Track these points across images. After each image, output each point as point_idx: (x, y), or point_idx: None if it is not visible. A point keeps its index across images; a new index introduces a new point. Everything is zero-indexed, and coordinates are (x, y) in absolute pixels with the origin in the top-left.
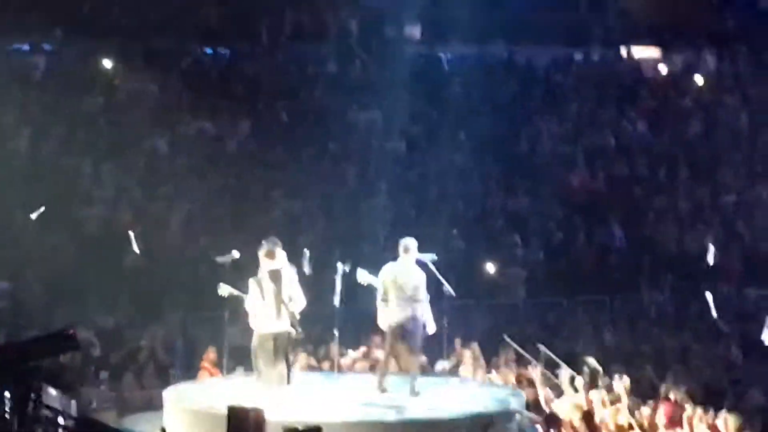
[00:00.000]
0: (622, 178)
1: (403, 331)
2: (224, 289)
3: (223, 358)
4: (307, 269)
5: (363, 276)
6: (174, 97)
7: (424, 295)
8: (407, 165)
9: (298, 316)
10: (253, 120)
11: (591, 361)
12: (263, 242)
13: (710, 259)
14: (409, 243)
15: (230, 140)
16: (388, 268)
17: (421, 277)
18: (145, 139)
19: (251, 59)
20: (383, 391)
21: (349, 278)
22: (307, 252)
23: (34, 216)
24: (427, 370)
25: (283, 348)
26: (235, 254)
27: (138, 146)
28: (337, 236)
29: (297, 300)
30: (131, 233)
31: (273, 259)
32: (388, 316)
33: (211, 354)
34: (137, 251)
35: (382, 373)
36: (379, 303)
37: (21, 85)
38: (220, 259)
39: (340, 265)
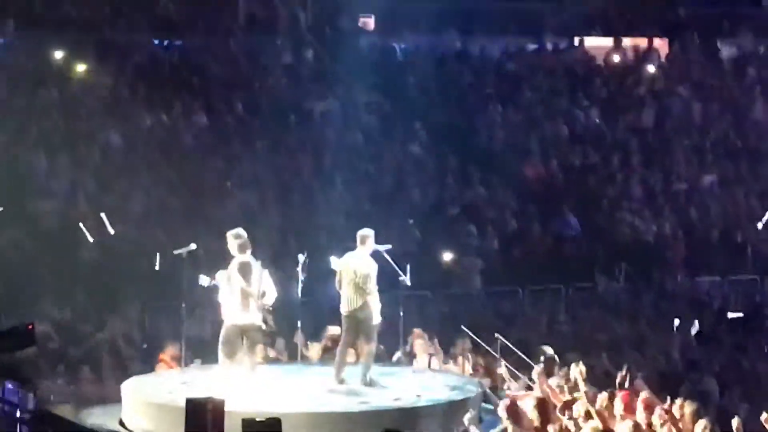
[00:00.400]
0: (576, 167)
1: (356, 321)
2: (204, 280)
3: (182, 350)
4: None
5: (336, 263)
6: (128, 89)
7: (373, 286)
8: (363, 156)
9: (270, 309)
10: (207, 112)
11: (547, 349)
12: (230, 234)
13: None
14: (365, 234)
15: (185, 133)
16: (345, 258)
17: (372, 269)
18: (99, 132)
19: (205, 51)
20: (341, 381)
21: (309, 269)
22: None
23: None
24: (384, 359)
25: (250, 340)
26: (192, 246)
27: (92, 139)
28: (293, 228)
29: (269, 293)
30: (82, 225)
31: (245, 252)
32: (342, 305)
33: (170, 350)
34: (91, 240)
35: (340, 363)
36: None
37: None
38: (177, 252)
39: (301, 256)
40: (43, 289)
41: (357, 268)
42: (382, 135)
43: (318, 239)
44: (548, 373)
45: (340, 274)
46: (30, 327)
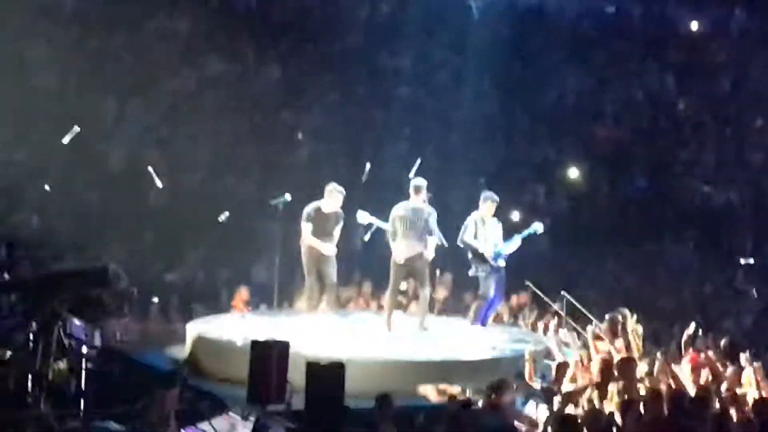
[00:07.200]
0: (647, 130)
1: (412, 269)
2: (363, 217)
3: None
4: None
5: (363, 217)
6: (201, 36)
7: (435, 230)
8: (432, 112)
9: None
10: (280, 62)
11: (624, 311)
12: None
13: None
14: (419, 183)
15: (257, 82)
16: (399, 207)
17: (432, 215)
18: (170, 77)
19: (280, 1)
20: (390, 329)
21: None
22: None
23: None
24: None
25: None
26: (288, 197)
27: (163, 85)
28: (360, 181)
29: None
30: (151, 168)
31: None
32: (396, 253)
33: (243, 293)
34: (160, 186)
35: (390, 310)
36: (389, 240)
37: (49, 20)
38: (273, 202)
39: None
40: (112, 231)
41: (416, 215)
42: (453, 92)
43: (385, 194)
44: (613, 333)
45: (394, 222)
46: (106, 268)
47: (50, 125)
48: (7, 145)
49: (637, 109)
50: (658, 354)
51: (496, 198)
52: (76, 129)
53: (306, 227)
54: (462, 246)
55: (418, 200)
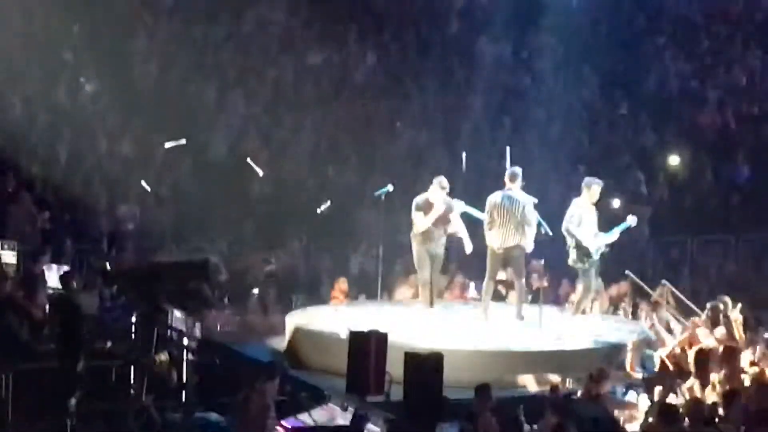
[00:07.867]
0: (752, 116)
1: (509, 257)
2: (460, 206)
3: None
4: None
5: (460, 206)
6: (301, 25)
7: (533, 220)
8: (533, 99)
9: None
10: (379, 51)
11: (725, 299)
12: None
13: None
14: (516, 171)
15: (356, 71)
16: (495, 195)
17: (530, 203)
18: (270, 67)
19: None
20: (487, 318)
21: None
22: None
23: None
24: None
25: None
26: (390, 187)
27: (264, 75)
28: (459, 169)
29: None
30: (250, 160)
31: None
32: (492, 242)
33: (342, 284)
34: (261, 174)
35: (486, 299)
36: (486, 229)
37: (150, 13)
38: (377, 193)
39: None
40: (212, 221)
41: (513, 203)
42: (553, 79)
43: (484, 182)
44: (714, 321)
45: (491, 212)
46: (207, 262)
47: (152, 117)
48: (110, 137)
49: (740, 94)
50: (762, 342)
51: (600, 182)
52: (182, 141)
53: (418, 215)
54: (566, 234)
55: (514, 188)
